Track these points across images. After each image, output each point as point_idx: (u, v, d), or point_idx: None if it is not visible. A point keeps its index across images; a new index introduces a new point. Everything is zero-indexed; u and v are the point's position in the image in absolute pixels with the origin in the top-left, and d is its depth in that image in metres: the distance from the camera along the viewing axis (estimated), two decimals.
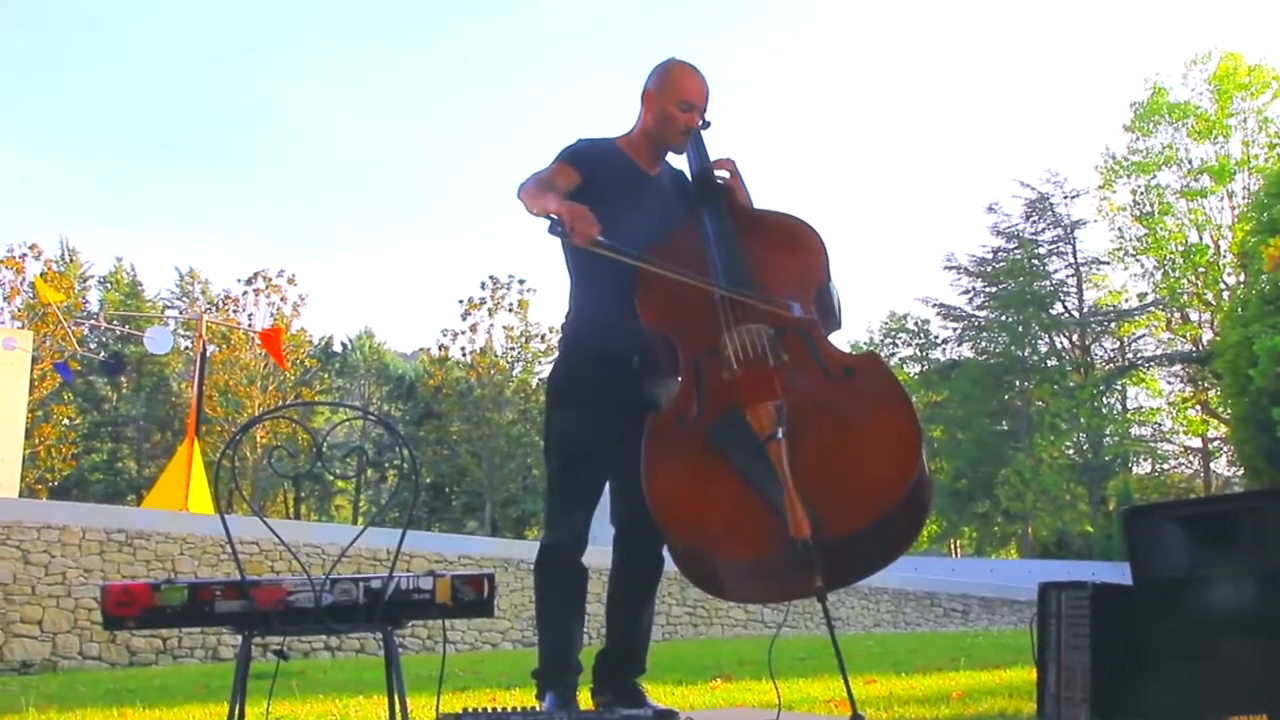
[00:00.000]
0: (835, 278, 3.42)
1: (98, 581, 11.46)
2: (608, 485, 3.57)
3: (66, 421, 36.28)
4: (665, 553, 3.43)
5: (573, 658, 3.49)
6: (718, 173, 3.61)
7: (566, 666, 3.47)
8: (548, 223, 3.20)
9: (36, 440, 31.32)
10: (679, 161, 3.70)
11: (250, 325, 36.95)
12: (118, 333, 36.71)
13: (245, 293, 38.47)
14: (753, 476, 3.03)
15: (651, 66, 3.61)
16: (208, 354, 26.70)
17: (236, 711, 2.45)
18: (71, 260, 39.84)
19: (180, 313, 41.36)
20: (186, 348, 38.63)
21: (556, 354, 3.71)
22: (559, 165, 3.49)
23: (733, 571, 3.18)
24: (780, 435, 3.02)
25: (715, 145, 3.68)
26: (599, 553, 3.53)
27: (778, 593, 3.41)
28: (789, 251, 3.47)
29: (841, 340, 3.40)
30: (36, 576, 11.52)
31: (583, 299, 3.59)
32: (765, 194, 3.62)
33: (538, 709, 3.31)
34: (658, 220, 3.50)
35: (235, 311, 38.31)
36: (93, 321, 34.65)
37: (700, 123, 3.59)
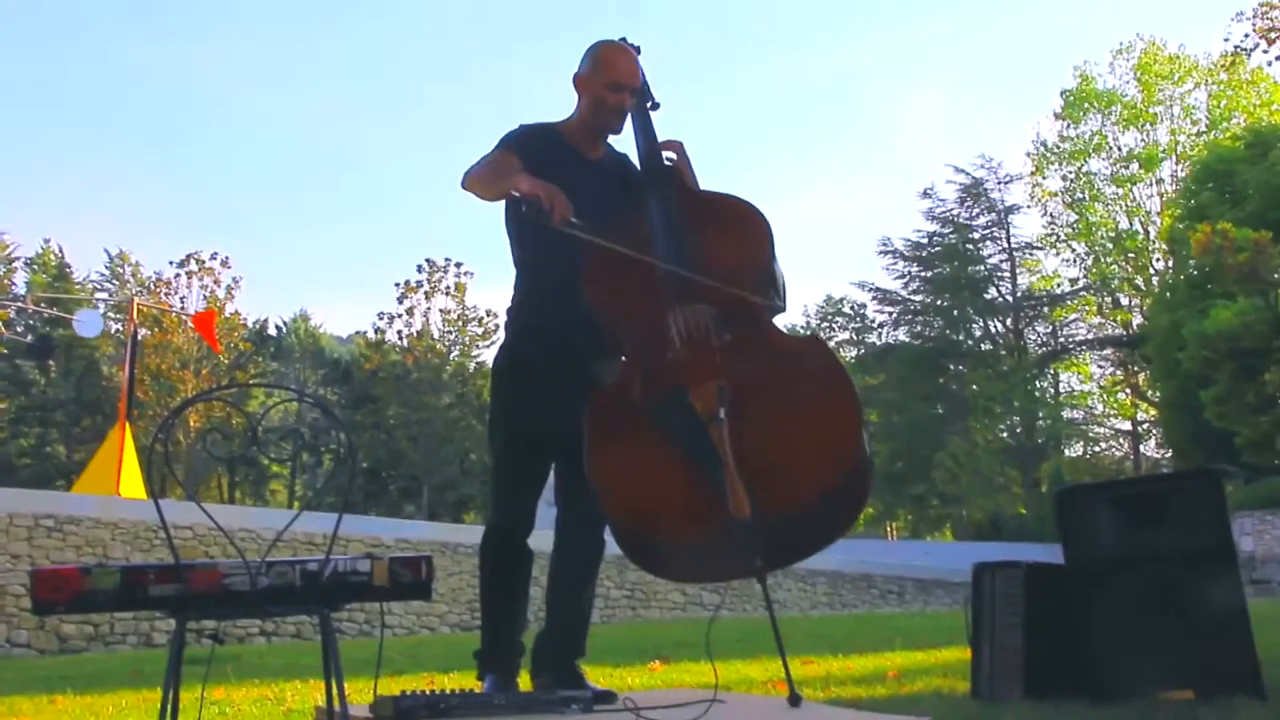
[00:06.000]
0: (779, 259, 3.43)
1: (25, 568, 11.25)
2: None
3: None
4: (607, 535, 3.42)
5: (515, 639, 3.48)
6: (665, 155, 3.59)
7: (509, 648, 3.46)
8: (523, 206, 3.15)
9: None
10: (627, 144, 3.66)
11: (183, 308, 36.42)
12: (46, 315, 36.03)
13: (178, 275, 37.96)
14: (694, 455, 3.04)
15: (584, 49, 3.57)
16: (139, 337, 26.24)
17: (170, 697, 2.41)
18: None
19: (110, 295, 40.66)
20: (117, 331, 37.96)
21: (502, 335, 3.68)
22: (501, 152, 3.45)
23: (673, 550, 3.19)
24: (722, 415, 3.03)
25: (663, 127, 3.65)
26: (539, 535, 3.52)
27: (718, 572, 3.42)
28: (735, 233, 3.46)
29: (780, 324, 3.40)
30: None
31: (528, 280, 3.56)
32: (707, 175, 3.61)
33: (477, 691, 3.29)
34: (600, 204, 3.44)
35: (167, 294, 37.74)
36: (19, 304, 33.93)
37: (632, 103, 3.55)
